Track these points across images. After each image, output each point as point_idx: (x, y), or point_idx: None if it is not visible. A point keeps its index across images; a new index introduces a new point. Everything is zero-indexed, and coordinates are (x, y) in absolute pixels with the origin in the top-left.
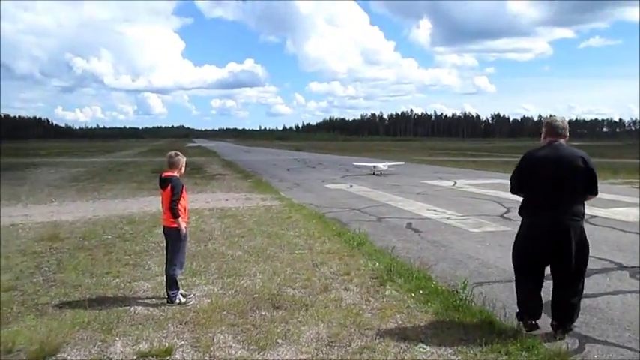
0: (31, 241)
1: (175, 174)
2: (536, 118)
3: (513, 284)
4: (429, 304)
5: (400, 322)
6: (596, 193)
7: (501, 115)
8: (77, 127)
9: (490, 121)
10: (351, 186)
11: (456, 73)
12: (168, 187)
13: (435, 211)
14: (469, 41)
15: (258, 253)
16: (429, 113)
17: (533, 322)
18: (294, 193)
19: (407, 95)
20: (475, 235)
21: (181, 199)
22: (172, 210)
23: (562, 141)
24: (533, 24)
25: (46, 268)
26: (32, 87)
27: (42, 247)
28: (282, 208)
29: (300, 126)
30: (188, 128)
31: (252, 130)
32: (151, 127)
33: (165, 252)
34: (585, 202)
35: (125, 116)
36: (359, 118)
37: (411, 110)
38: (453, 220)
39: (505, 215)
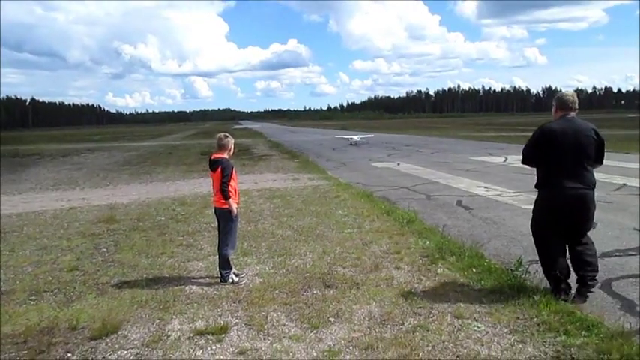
0: (89, 223)
1: (225, 156)
2: (590, 90)
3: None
4: (483, 282)
5: (453, 300)
6: (602, 163)
7: (553, 88)
8: (127, 113)
9: (541, 95)
10: (398, 164)
11: (505, 46)
12: (219, 169)
13: (485, 187)
14: (518, 12)
15: (307, 232)
16: (476, 88)
17: (566, 288)
18: (341, 173)
19: (453, 70)
20: (528, 212)
21: (231, 180)
22: (223, 191)
23: (573, 114)
24: None
25: (105, 249)
26: (84, 75)
27: (100, 229)
28: (329, 188)
29: (344, 105)
30: (234, 110)
31: (297, 110)
32: (198, 110)
33: (217, 232)
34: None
35: (173, 100)
36: (404, 95)
37: (458, 86)
38: (505, 196)
39: None
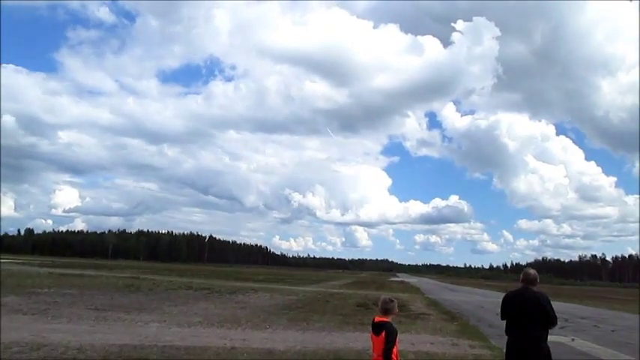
0: None
1: (389, 319)
2: None
3: None
4: None
5: None
6: (553, 324)
7: None
8: (290, 256)
9: None
10: (572, 339)
11: None
12: (383, 334)
13: None
14: None
15: None
16: None
17: None
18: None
19: (634, 236)
20: None
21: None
22: (386, 358)
23: (531, 286)
24: None
25: None
26: (256, 218)
27: None
28: (492, 359)
29: (508, 265)
30: (391, 262)
31: (457, 267)
32: (356, 259)
33: None
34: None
35: (333, 247)
36: (576, 259)
37: None
38: None
39: None
